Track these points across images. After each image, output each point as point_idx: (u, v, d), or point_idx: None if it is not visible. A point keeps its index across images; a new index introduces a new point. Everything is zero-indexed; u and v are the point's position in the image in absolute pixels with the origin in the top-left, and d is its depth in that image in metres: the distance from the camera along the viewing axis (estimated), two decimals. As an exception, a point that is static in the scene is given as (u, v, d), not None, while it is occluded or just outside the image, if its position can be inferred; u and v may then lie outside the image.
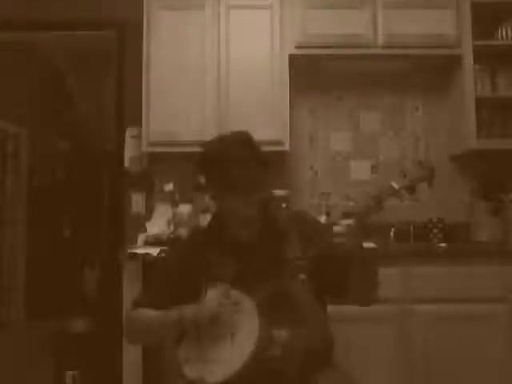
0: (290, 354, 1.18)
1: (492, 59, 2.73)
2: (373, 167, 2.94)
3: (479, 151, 2.68)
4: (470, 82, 2.65)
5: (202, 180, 1.41)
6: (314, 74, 2.92)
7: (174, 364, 1.22)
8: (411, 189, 1.19)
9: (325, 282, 1.29)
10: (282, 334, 1.17)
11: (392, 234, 2.73)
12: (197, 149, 2.70)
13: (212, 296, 1.23)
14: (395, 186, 1.17)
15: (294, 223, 1.38)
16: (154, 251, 2.25)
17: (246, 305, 1.17)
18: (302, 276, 1.22)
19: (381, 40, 2.64)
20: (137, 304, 1.37)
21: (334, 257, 1.28)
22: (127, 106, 2.92)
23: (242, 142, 1.32)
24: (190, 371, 1.18)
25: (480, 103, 2.65)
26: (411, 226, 2.77)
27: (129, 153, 2.82)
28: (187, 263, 1.36)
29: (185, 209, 2.65)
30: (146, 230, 2.64)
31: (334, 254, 1.28)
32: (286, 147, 2.62)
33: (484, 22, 2.70)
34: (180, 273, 1.35)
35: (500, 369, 2.22)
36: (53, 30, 3.07)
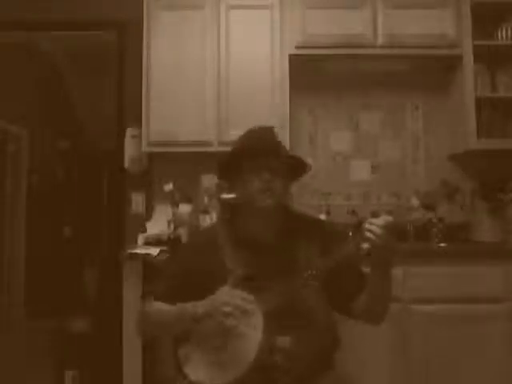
0: (291, 362, 1.16)
1: (492, 59, 2.74)
2: (373, 167, 2.93)
3: (479, 151, 2.68)
4: (470, 82, 2.65)
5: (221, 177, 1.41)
6: (313, 74, 2.92)
7: (170, 360, 1.21)
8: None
9: (336, 294, 1.27)
10: (285, 340, 1.16)
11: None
12: (197, 149, 2.72)
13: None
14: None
15: (312, 230, 1.35)
16: (154, 251, 2.25)
17: (253, 309, 1.15)
18: (314, 283, 1.20)
19: (381, 40, 2.64)
20: (151, 297, 1.34)
21: (349, 269, 1.26)
22: (127, 105, 2.92)
23: (270, 133, 1.40)
24: (191, 372, 1.17)
25: (480, 103, 2.65)
26: (411, 226, 2.77)
27: (129, 153, 2.81)
28: (201, 257, 1.32)
29: (185, 209, 2.65)
30: (145, 230, 2.64)
31: (350, 267, 1.26)
32: (286, 147, 2.61)
33: (484, 21, 2.70)
34: (193, 266, 1.32)
35: (500, 369, 2.22)
36: (53, 29, 3.08)
